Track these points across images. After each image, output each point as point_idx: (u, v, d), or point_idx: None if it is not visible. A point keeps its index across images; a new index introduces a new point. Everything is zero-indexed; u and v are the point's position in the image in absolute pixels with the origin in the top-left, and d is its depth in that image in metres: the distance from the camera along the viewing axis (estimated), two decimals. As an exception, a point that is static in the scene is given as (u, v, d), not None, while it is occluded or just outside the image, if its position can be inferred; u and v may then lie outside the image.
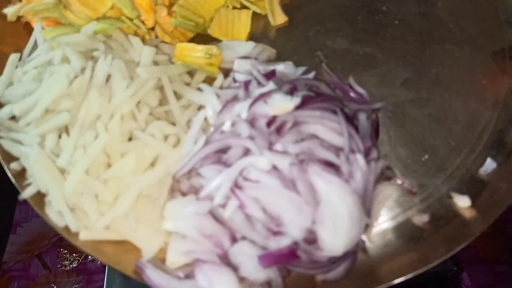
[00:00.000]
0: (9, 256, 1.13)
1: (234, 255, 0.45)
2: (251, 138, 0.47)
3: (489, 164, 0.54)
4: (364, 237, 0.50)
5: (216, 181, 0.46)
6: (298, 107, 0.48)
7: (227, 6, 0.62)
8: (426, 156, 0.56)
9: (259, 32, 0.63)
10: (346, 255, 0.47)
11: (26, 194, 0.49)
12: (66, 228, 0.48)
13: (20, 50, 0.60)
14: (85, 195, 0.48)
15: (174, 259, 0.47)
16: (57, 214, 0.49)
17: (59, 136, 0.50)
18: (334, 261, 0.47)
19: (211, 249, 0.46)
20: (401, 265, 0.49)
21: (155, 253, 0.47)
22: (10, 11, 0.59)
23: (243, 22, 0.62)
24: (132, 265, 0.47)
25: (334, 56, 0.61)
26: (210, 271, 0.45)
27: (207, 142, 0.49)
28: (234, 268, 0.45)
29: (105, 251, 0.49)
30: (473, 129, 0.57)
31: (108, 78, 0.52)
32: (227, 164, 0.47)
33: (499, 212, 0.51)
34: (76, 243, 0.48)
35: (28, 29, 0.62)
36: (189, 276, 0.45)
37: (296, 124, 0.48)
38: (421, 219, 0.52)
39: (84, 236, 0.48)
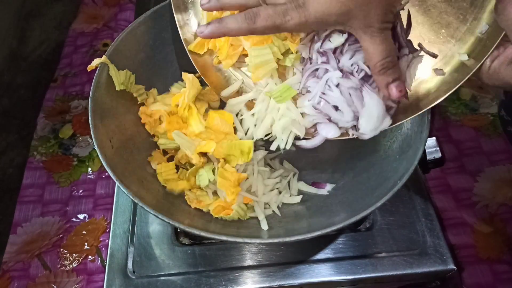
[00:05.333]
0: (9, 256, 1.11)
1: (335, 119, 0.94)
2: (327, 62, 0.89)
3: (483, 27, 0.81)
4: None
5: (315, 89, 0.92)
6: (346, 39, 0.86)
7: None
8: (443, 31, 0.86)
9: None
10: (390, 108, 0.90)
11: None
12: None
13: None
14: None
15: (307, 124, 0.99)
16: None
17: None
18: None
19: (323, 118, 0.95)
20: (435, 93, 0.86)
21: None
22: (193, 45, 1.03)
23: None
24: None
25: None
26: (324, 126, 0.96)
27: (305, 70, 0.94)
28: (335, 123, 0.95)
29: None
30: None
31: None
32: (319, 77, 0.92)
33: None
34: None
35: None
36: (315, 132, 0.98)
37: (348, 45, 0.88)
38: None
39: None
